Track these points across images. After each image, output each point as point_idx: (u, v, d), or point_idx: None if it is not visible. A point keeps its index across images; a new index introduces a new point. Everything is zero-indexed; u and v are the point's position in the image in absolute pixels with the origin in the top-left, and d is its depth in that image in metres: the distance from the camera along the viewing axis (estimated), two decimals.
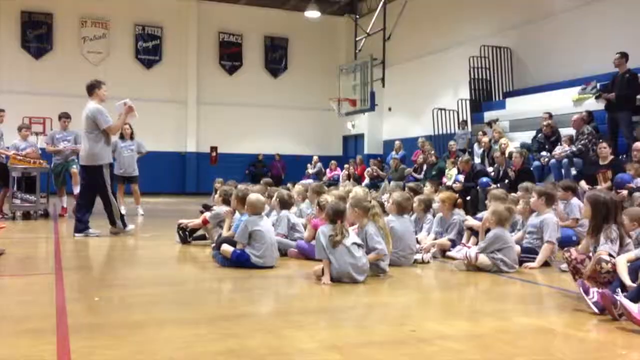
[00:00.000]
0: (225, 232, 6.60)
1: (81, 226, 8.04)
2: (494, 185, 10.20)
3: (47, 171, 11.05)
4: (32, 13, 19.92)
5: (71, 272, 5.41)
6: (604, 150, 9.09)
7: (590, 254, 4.36)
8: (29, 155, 10.64)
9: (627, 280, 3.80)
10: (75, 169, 11.11)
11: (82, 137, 8.32)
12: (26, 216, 10.59)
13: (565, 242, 6.35)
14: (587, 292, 3.96)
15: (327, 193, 7.86)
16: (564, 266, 5.55)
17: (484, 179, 10.93)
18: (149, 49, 21.32)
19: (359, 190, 6.66)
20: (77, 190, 11.16)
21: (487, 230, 6.01)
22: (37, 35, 19.94)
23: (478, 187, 10.96)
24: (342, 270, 4.94)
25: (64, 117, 11.29)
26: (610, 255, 4.29)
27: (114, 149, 11.63)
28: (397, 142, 16.74)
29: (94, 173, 8.09)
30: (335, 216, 5.09)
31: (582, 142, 10.45)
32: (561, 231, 6.43)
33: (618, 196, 8.05)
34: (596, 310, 3.84)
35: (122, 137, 11.68)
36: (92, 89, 8.21)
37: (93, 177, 8.09)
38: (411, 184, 9.05)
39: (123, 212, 11.44)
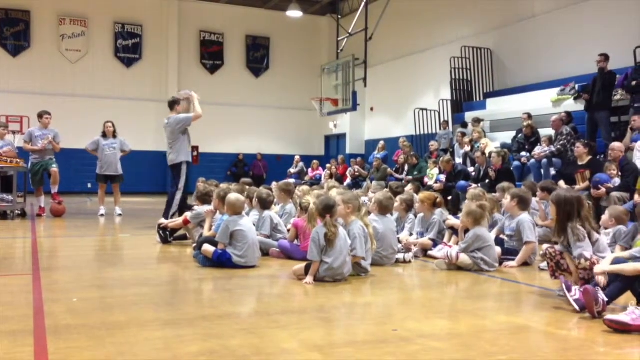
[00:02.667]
0: (206, 232, 6.56)
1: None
2: (474, 185, 10.29)
3: (25, 170, 10.87)
4: (9, 10, 19.60)
5: (49, 272, 5.33)
6: (578, 150, 9.22)
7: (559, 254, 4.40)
8: (6, 155, 10.46)
9: (605, 264, 3.87)
10: (55, 168, 10.92)
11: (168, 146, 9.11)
12: (3, 216, 10.40)
13: None
14: (569, 290, 3.98)
15: (309, 193, 7.85)
16: (544, 265, 5.61)
17: (462, 182, 11.01)
18: (128, 47, 21.11)
19: (333, 193, 6.56)
20: (55, 189, 11.00)
21: (466, 231, 6.05)
22: (14, 32, 19.63)
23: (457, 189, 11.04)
24: (336, 270, 4.91)
25: (46, 114, 11.11)
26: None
27: (97, 148, 11.47)
28: (381, 142, 16.80)
29: (175, 170, 8.98)
30: (325, 211, 5.03)
31: (561, 142, 10.58)
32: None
33: (597, 193, 8.20)
34: (577, 308, 3.87)
35: (104, 135, 11.48)
36: (174, 104, 9.15)
37: (175, 174, 8.98)
38: (391, 184, 9.06)
39: (102, 212, 11.35)
